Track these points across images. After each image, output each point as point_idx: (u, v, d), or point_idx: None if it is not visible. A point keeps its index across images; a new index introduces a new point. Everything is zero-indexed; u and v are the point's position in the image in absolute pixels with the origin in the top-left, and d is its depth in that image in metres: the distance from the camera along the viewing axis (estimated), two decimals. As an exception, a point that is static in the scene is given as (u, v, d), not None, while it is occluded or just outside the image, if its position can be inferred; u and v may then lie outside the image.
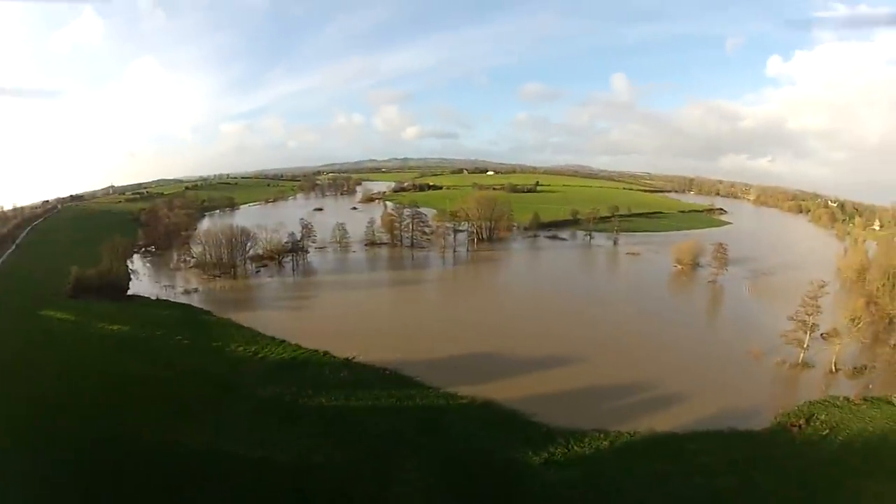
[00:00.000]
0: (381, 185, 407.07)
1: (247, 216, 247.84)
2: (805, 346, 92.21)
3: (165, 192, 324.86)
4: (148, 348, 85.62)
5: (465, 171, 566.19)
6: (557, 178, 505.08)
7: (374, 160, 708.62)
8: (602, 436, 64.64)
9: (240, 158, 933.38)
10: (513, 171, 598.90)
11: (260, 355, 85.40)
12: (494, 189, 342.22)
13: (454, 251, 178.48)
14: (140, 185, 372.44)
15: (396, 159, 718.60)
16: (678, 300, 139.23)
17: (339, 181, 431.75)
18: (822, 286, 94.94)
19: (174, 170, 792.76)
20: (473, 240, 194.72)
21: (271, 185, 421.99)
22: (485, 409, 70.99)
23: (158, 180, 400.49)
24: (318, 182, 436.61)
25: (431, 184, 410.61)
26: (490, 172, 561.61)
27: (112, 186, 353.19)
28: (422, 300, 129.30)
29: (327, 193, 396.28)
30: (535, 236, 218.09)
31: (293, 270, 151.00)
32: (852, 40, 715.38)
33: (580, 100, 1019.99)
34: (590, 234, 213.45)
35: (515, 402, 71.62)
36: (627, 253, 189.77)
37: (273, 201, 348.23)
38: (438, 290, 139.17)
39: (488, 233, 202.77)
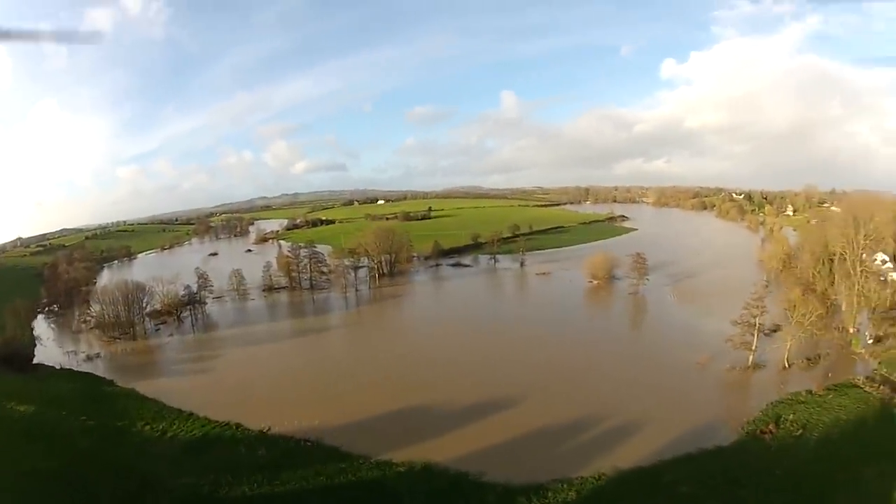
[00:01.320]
0: (274, 224, 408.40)
1: (144, 266, 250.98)
2: (753, 347, 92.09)
3: (67, 244, 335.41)
4: (55, 434, 74.77)
5: (356, 203, 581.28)
6: (450, 202, 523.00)
7: (264, 197, 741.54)
8: (566, 486, 58.91)
9: (136, 203, 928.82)
10: (403, 197, 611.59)
11: (169, 434, 77.65)
12: (388, 219, 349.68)
13: (356, 290, 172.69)
14: (44, 236, 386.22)
15: (287, 195, 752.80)
16: (606, 318, 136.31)
17: (232, 222, 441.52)
18: (766, 286, 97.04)
19: (77, 218, 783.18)
20: (375, 276, 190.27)
21: (167, 231, 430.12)
22: (427, 474, 63.74)
23: (62, 230, 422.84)
24: (212, 224, 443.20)
25: (324, 218, 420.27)
26: (381, 201, 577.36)
27: (20, 238, 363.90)
28: (330, 351, 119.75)
29: (221, 236, 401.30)
30: (438, 265, 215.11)
31: (192, 326, 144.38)
32: (755, 35, 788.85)
33: (470, 119, 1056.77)
34: (494, 258, 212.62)
35: (459, 462, 64.60)
36: (537, 274, 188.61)
37: (169, 248, 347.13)
38: (346, 338, 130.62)
39: (389, 267, 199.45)
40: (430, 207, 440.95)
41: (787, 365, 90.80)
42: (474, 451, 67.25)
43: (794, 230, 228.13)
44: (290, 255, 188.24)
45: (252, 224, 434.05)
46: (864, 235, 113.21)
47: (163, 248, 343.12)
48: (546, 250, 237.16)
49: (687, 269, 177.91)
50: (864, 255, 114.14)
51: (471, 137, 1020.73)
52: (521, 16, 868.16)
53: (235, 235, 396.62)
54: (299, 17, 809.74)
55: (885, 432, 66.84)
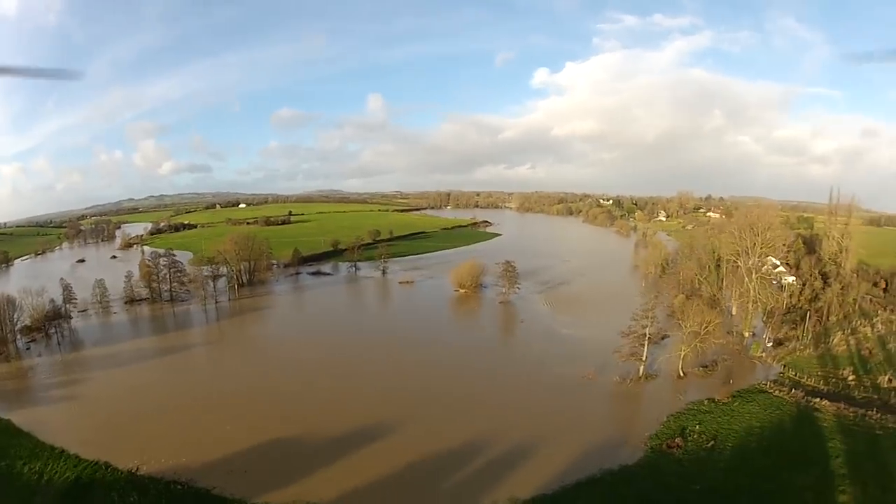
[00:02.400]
0: (139, 227, 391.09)
1: (19, 275, 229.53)
2: (644, 357, 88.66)
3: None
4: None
5: (219, 206, 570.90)
6: (310, 206, 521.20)
7: (132, 199, 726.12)
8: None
9: (15, 205, 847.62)
10: (265, 201, 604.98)
11: (45, 477, 70.46)
12: (248, 223, 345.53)
13: (216, 302, 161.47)
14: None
15: (153, 197, 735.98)
16: (480, 331, 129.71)
17: (100, 226, 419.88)
18: (656, 296, 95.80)
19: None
20: (234, 286, 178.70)
21: (40, 234, 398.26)
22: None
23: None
24: (82, 228, 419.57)
25: (187, 222, 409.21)
26: (242, 205, 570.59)
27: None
28: (196, 376, 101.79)
29: (89, 240, 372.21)
30: (298, 273, 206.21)
31: (59, 345, 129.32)
32: (637, 48, 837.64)
33: (334, 123, 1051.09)
34: (355, 266, 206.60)
35: (339, 502, 57.65)
36: (400, 282, 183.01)
37: (42, 253, 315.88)
38: (211, 360, 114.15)
39: (248, 276, 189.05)
40: (290, 212, 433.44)
41: (681, 374, 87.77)
42: (354, 488, 59.48)
43: (669, 235, 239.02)
44: (150, 262, 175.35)
45: (119, 228, 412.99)
46: (762, 243, 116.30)
47: (36, 254, 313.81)
48: (408, 257, 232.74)
49: (559, 276, 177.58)
50: (760, 262, 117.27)
51: (333, 140, 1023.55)
52: (394, 21, 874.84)
53: (103, 240, 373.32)
54: (179, 12, 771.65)
55: (806, 438, 64.96)
